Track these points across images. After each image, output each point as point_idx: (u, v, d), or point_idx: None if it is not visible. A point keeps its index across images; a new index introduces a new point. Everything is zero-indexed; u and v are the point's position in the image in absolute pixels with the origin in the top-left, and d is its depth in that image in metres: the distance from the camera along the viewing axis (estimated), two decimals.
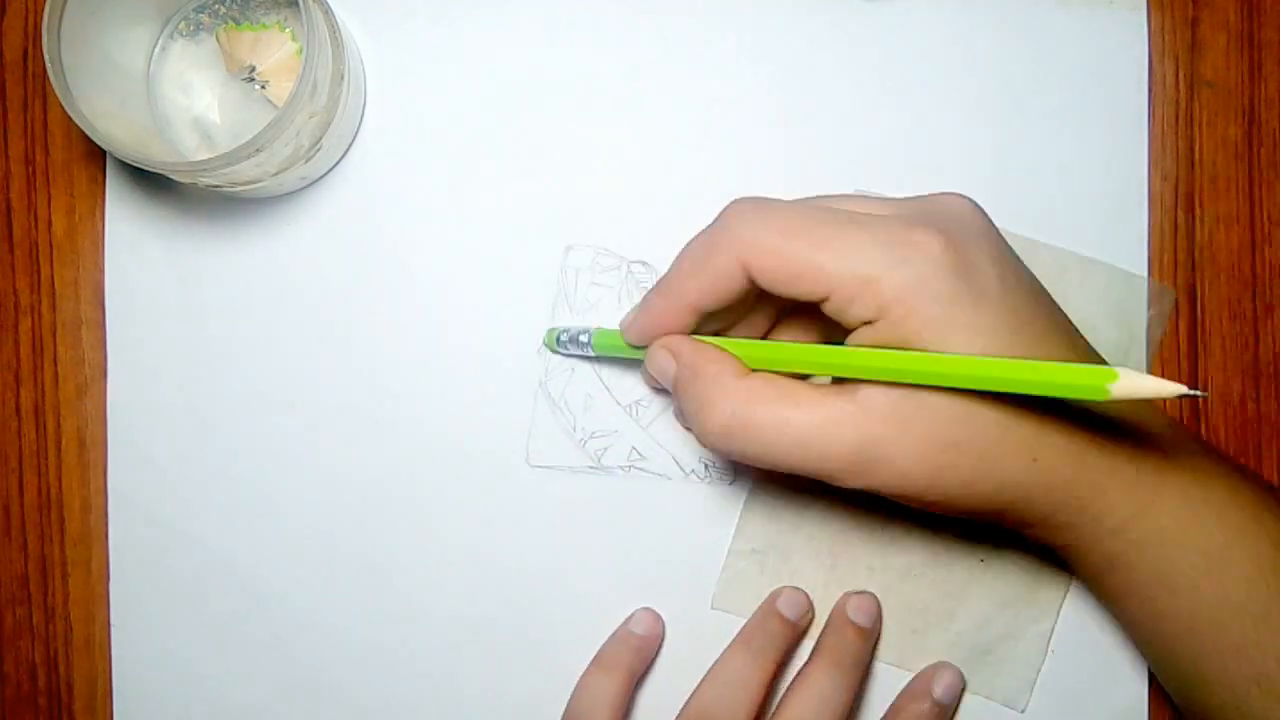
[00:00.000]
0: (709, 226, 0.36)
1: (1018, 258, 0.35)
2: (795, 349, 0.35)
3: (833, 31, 0.43)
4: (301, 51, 0.38)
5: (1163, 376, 0.42)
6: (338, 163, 0.43)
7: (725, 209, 0.35)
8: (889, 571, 0.43)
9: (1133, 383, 0.27)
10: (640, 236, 0.43)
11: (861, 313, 0.33)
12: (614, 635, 0.42)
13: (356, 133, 0.43)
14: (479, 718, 0.43)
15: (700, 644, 0.42)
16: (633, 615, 0.43)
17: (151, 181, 0.43)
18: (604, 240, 0.43)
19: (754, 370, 0.35)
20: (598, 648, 0.42)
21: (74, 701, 0.43)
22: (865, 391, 0.33)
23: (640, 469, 0.43)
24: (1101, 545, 0.35)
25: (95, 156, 0.44)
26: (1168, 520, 0.35)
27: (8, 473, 0.44)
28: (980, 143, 0.43)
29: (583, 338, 0.41)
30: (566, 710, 0.41)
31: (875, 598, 0.42)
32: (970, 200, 0.35)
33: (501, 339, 0.43)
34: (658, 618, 0.43)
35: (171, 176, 0.39)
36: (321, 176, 0.43)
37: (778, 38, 0.43)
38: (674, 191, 0.43)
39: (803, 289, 0.33)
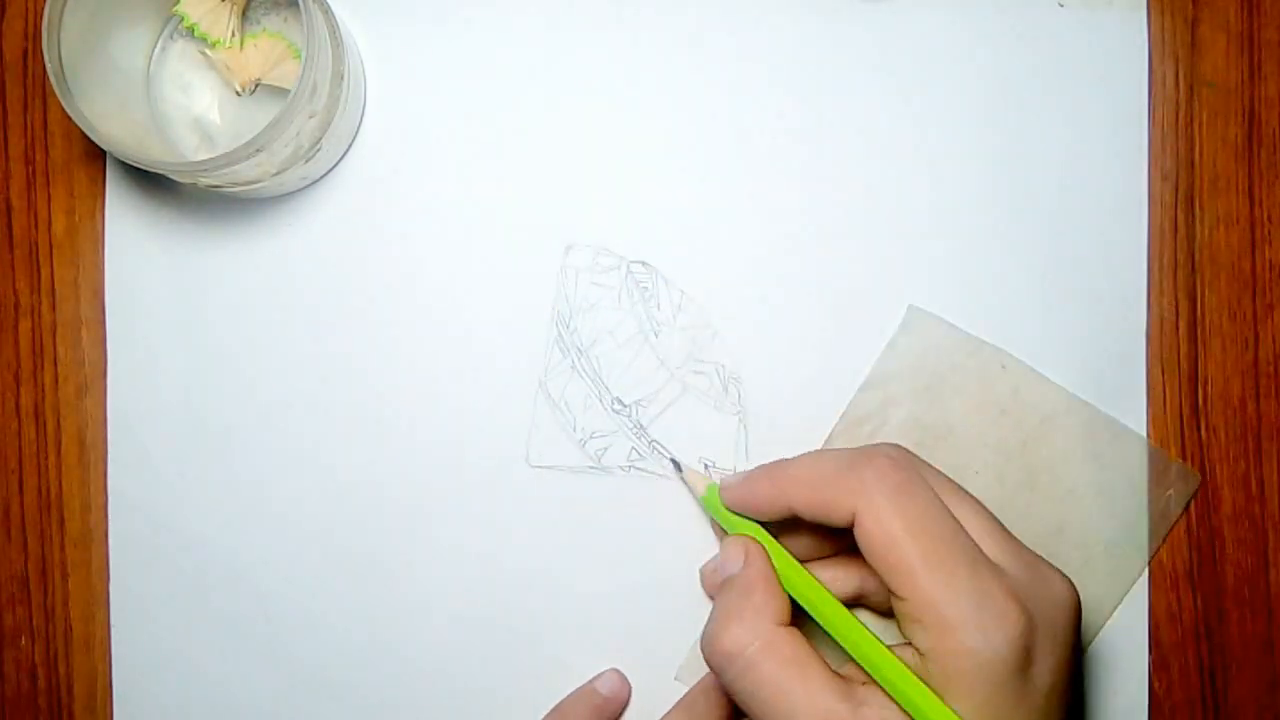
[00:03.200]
0: (852, 455, 0.36)
1: (1079, 657, 0.36)
2: (857, 634, 0.35)
3: (832, 31, 0.43)
4: (299, 53, 0.38)
5: (1163, 379, 0.43)
6: (338, 163, 0.43)
7: (878, 451, 0.36)
8: None
9: None
10: (640, 236, 0.43)
11: (920, 641, 0.34)
12: (578, 690, 0.42)
13: (356, 133, 0.43)
14: (478, 716, 0.43)
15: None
16: (600, 675, 0.42)
17: (151, 181, 0.43)
18: (604, 240, 0.43)
19: (789, 624, 0.36)
20: (596, 647, 0.42)
21: (74, 701, 0.43)
22: (865, 710, 0.33)
23: (640, 469, 0.43)
24: None
25: (95, 156, 0.44)
26: None
27: (8, 473, 0.44)
28: (980, 143, 0.43)
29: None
30: None
31: None
32: (1072, 589, 0.36)
33: (501, 339, 0.43)
34: (624, 681, 0.42)
35: (171, 176, 0.39)
36: (322, 176, 0.43)
37: (777, 37, 0.43)
38: (674, 191, 0.43)
39: (892, 581, 0.34)
